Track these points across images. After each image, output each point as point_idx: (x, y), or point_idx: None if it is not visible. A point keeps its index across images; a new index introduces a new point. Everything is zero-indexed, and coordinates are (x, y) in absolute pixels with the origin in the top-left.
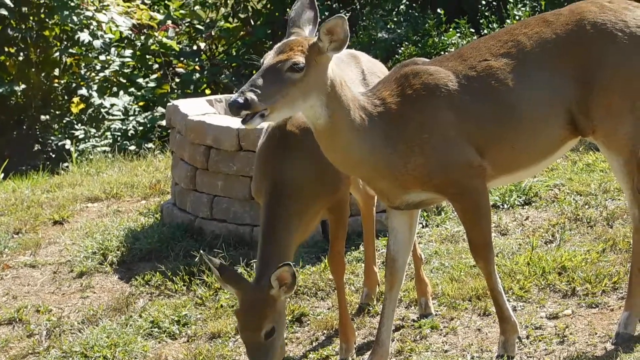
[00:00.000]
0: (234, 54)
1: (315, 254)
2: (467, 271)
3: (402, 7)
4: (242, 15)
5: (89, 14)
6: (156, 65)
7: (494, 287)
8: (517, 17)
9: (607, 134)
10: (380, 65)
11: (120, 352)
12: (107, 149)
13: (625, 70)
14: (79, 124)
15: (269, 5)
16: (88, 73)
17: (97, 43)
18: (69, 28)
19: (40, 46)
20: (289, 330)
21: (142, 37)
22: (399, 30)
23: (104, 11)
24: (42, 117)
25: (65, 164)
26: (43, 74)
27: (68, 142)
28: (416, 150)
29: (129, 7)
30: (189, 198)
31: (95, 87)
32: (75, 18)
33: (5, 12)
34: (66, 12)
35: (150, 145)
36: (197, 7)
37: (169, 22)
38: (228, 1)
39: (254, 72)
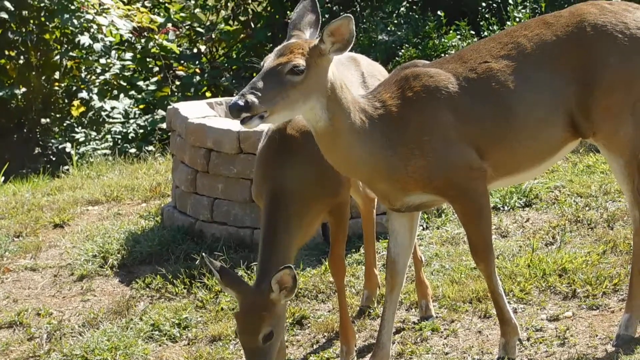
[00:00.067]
0: (235, 56)
1: (315, 256)
2: (468, 273)
3: (402, 9)
4: (242, 18)
5: (90, 17)
6: (156, 68)
7: (495, 289)
8: (517, 19)
9: (608, 135)
10: (380, 68)
11: (121, 356)
12: (108, 152)
13: (626, 71)
14: (80, 127)
15: (269, 8)
16: (88, 76)
17: (98, 46)
18: (69, 31)
19: (41, 49)
20: (289, 333)
21: (143, 40)
22: (399, 33)
23: (104, 14)
24: (43, 120)
25: (66, 167)
26: (43, 77)
27: (68, 145)
28: (416, 153)
29: (129, 10)
30: (189, 201)
31: (95, 90)
32: (75, 21)
33: (5, 16)
34: (66, 16)
35: (150, 148)
36: (197, 10)
37: (170, 25)
38: (228, 4)
39: (255, 74)
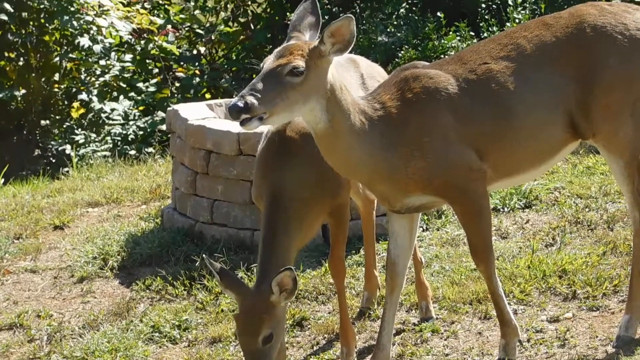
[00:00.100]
0: (234, 58)
1: (315, 258)
2: (468, 275)
3: (402, 10)
4: (242, 20)
5: (89, 18)
6: (156, 70)
7: (495, 291)
8: (517, 21)
9: (608, 136)
10: (380, 69)
11: (121, 357)
12: (108, 153)
13: (625, 72)
14: (79, 129)
15: (268, 10)
16: (88, 78)
17: (97, 48)
18: (69, 33)
19: (41, 51)
20: (289, 334)
21: (142, 42)
22: (398, 34)
23: (104, 16)
24: (43, 122)
25: (66, 169)
26: (43, 79)
27: (68, 147)
28: (416, 154)
29: (129, 11)
30: (189, 202)
31: (95, 91)
32: (75, 23)
33: (5, 17)
34: (66, 17)
35: (150, 149)
36: (197, 12)
37: (169, 26)
38: (228, 5)
39: (254, 76)
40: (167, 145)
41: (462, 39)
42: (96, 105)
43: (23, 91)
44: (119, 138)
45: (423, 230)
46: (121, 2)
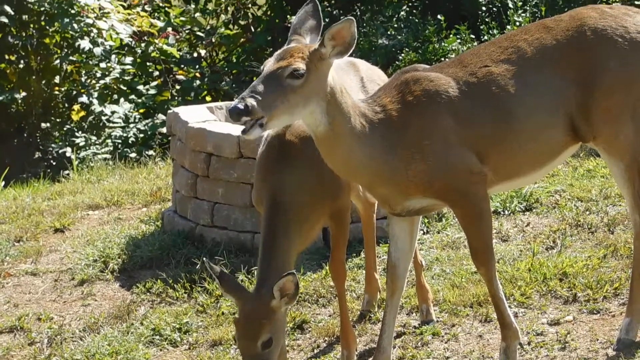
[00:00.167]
0: (235, 60)
1: (316, 260)
2: (468, 277)
3: (402, 13)
4: (242, 22)
5: (90, 21)
6: (156, 73)
7: (495, 294)
8: (517, 23)
9: (608, 139)
10: (380, 72)
11: None
12: (108, 156)
13: (626, 75)
14: (80, 132)
15: (269, 12)
16: (88, 80)
17: (98, 50)
18: (69, 35)
19: (41, 54)
20: (290, 337)
21: (143, 45)
22: (399, 37)
23: (104, 19)
24: (43, 124)
25: (66, 172)
26: (43, 82)
27: (69, 149)
28: (417, 157)
29: (129, 14)
30: (189, 205)
31: (95, 94)
32: (75, 25)
33: (5, 20)
34: (67, 20)
35: (150, 152)
36: (197, 14)
37: (170, 29)
38: (228, 8)
39: (255, 78)
40: (168, 148)
41: (462, 41)
42: (96, 107)
43: (23, 94)
44: (120, 141)
45: (424, 233)
46: (122, 5)
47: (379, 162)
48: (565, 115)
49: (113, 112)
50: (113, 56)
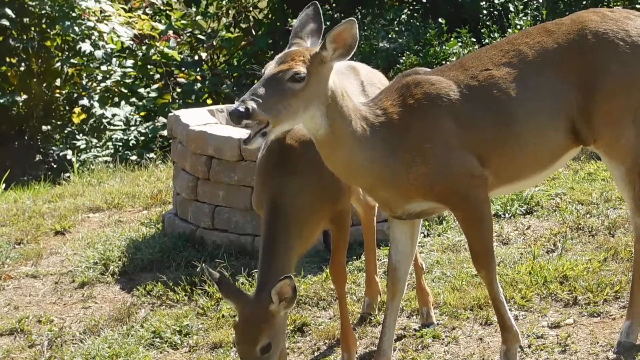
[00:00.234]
0: (236, 63)
1: (316, 263)
2: (469, 280)
3: (403, 16)
4: (243, 25)
5: (91, 24)
6: (157, 76)
7: (496, 297)
8: (518, 27)
9: (609, 142)
10: (380, 76)
11: None
12: (109, 159)
13: (627, 79)
14: (81, 134)
15: (270, 15)
16: (89, 83)
17: (99, 53)
18: (70, 38)
19: (42, 56)
20: (290, 340)
21: (144, 48)
22: (400, 40)
23: (105, 21)
24: (44, 127)
25: (67, 174)
26: (44, 85)
27: (69, 152)
28: (418, 160)
29: (130, 17)
30: (190, 208)
31: (96, 97)
32: (76, 28)
33: (6, 23)
34: (68, 23)
35: (151, 155)
36: (198, 17)
37: (171, 32)
38: (229, 11)
39: (255, 81)
40: (168, 151)
41: (463, 45)
42: (97, 110)
43: (24, 96)
44: (120, 143)
45: (424, 236)
46: (123, 8)
47: (380, 165)
48: (566, 118)
49: (114, 115)
50: (114, 59)
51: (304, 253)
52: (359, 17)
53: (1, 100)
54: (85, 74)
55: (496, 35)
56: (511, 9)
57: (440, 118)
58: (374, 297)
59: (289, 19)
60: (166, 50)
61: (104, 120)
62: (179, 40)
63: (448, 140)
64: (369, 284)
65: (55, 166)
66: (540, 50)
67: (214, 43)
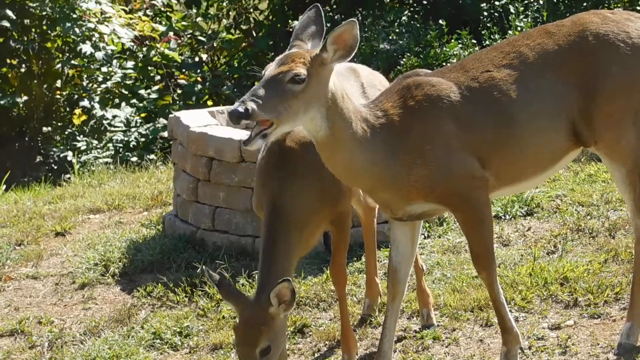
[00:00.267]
0: (236, 65)
1: (317, 265)
2: (469, 282)
3: (404, 18)
4: (244, 27)
5: (91, 25)
6: (158, 77)
7: (496, 298)
8: (519, 29)
9: (610, 144)
10: (381, 78)
11: None
12: (109, 160)
13: (628, 80)
14: (81, 136)
15: (271, 17)
16: (90, 85)
17: (99, 55)
18: (71, 40)
19: (42, 58)
20: (291, 342)
21: (144, 49)
22: (400, 42)
23: (106, 23)
24: (44, 128)
25: (67, 176)
26: (45, 86)
27: (70, 153)
28: (418, 162)
29: (131, 19)
30: (190, 209)
31: (97, 98)
32: (77, 30)
33: (7, 24)
34: (68, 24)
35: (152, 156)
36: (199, 19)
37: (171, 33)
38: (230, 13)
39: (256, 83)
40: (169, 152)
41: (464, 46)
42: (98, 112)
43: (25, 98)
44: (121, 145)
45: (424, 238)
46: (123, 10)
47: (381, 167)
48: (567, 120)
49: (114, 116)
50: (114, 60)
51: (304, 255)
52: (360, 18)
53: (2, 102)
54: (85, 76)
55: (497, 36)
56: (512, 10)
57: (440, 120)
58: (374, 298)
59: (290, 21)
60: (167, 51)
61: (104, 122)
62: (179, 41)
63: (449, 141)
64: (370, 285)
65: (55, 167)
66: (541, 51)
67: (215, 44)
